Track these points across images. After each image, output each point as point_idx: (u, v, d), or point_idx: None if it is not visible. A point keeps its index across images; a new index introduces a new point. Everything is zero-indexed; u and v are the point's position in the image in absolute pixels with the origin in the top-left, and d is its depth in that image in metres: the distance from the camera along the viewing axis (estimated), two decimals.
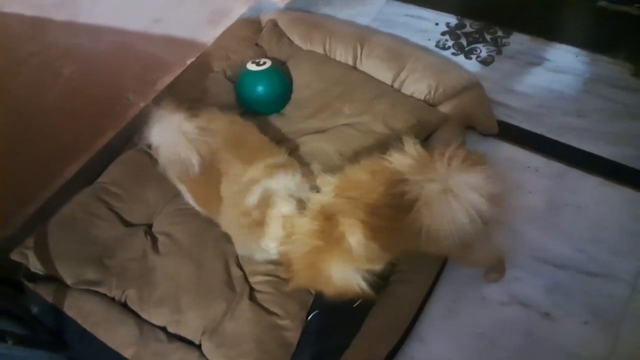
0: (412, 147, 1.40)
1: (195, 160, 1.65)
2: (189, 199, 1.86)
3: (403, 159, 1.39)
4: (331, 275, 1.48)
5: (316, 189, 1.58)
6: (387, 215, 1.37)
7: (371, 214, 1.38)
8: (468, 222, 1.26)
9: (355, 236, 1.40)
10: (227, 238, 1.84)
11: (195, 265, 1.78)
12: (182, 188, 1.86)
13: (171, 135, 1.68)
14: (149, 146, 1.88)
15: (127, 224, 1.94)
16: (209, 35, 2.57)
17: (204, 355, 1.63)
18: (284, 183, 1.61)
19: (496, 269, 1.79)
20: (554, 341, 1.67)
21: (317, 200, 1.50)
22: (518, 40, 2.62)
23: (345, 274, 1.48)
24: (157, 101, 2.30)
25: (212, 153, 1.68)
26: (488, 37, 2.66)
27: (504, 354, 1.66)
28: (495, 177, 1.30)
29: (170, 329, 1.70)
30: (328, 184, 1.52)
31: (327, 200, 1.47)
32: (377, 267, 1.55)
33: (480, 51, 2.60)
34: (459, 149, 1.34)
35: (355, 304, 1.69)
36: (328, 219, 1.43)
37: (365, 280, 1.50)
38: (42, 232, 1.86)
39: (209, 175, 1.69)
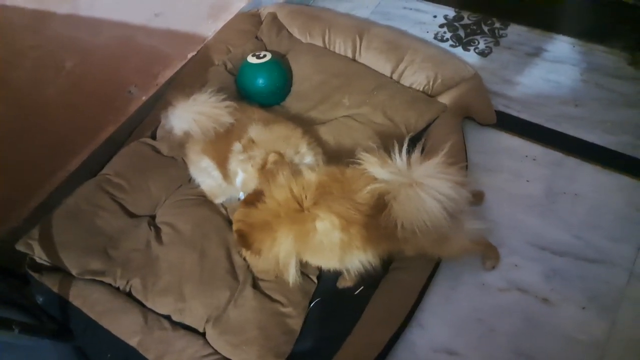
0: (375, 152, 1.44)
1: (224, 110, 1.82)
2: (211, 172, 1.89)
3: (371, 159, 1.42)
4: (277, 246, 1.46)
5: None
6: (365, 211, 1.40)
7: (347, 208, 1.40)
8: (439, 207, 1.30)
9: (324, 222, 1.41)
10: (229, 228, 1.87)
11: (198, 255, 1.80)
12: (205, 162, 1.89)
13: (193, 109, 1.82)
14: (175, 142, 2.01)
15: (130, 215, 1.96)
16: (209, 29, 2.59)
17: (208, 343, 1.65)
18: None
19: (490, 255, 1.82)
20: (552, 326, 1.69)
21: (317, 175, 1.50)
22: (515, 32, 2.65)
23: (288, 252, 1.47)
24: (159, 96, 2.32)
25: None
26: (486, 28, 2.68)
27: (503, 339, 1.69)
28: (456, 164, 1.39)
29: (175, 317, 1.71)
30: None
31: (324, 180, 1.48)
32: (329, 265, 1.57)
33: (478, 43, 2.62)
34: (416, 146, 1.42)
35: (357, 292, 1.72)
36: (316, 194, 1.44)
37: (298, 270, 1.54)
38: (47, 222, 1.87)
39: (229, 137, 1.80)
